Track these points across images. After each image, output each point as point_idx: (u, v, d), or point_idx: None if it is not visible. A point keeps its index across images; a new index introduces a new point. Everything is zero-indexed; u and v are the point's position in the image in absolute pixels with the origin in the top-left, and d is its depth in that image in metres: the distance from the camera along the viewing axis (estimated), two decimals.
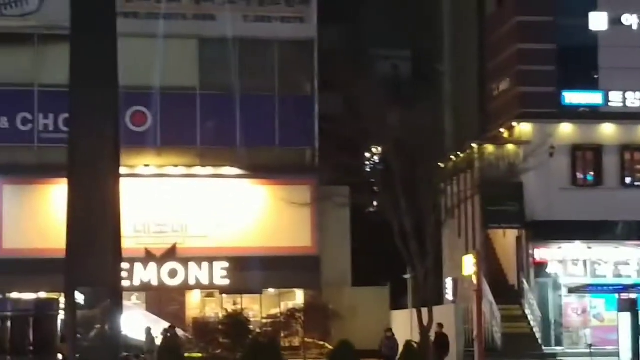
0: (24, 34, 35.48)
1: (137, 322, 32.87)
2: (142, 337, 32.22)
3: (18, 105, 35.65)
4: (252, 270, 35.93)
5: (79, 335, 21.94)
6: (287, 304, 37.70)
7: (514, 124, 38.07)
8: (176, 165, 36.97)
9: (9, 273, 34.55)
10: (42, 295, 32.89)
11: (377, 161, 36.48)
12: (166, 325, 33.22)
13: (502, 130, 38.76)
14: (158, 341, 32.14)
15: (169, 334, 31.82)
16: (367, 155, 36.90)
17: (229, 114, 36.46)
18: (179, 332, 34.37)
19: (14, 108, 35.68)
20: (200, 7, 36.81)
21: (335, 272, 37.05)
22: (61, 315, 26.08)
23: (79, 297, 20.44)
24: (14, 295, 34.00)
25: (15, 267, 34.53)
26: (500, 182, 36.94)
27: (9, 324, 25.46)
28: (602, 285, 36.10)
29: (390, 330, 31.15)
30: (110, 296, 20.39)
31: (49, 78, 34.65)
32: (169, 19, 36.21)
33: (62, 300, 25.21)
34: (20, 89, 35.70)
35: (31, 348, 25.31)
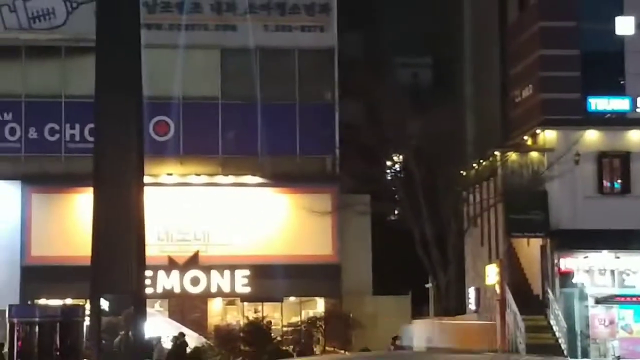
0: (51, 47, 37.15)
1: (160, 329, 34.11)
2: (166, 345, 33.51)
3: (46, 116, 37.31)
4: (273, 278, 37.00)
5: (103, 341, 23.32)
6: (307, 312, 38.85)
7: (538, 131, 38.36)
8: (198, 174, 38.24)
9: (36, 280, 36.24)
10: (69, 301, 34.20)
11: (398, 169, 37.31)
12: (189, 332, 34.41)
13: (525, 137, 39.09)
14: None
15: (178, 341, 33.05)
16: (388, 163, 37.75)
17: (250, 123, 37.74)
18: (201, 339, 35.61)
19: (42, 119, 37.36)
20: (222, 18, 38.16)
21: (356, 280, 37.97)
22: (87, 322, 27.26)
23: (104, 304, 21.57)
24: (42, 301, 35.57)
25: (43, 274, 36.14)
26: (524, 190, 37.39)
27: (36, 329, 26.69)
28: (631, 296, 36.42)
29: (399, 337, 31.04)
30: (133, 303, 21.50)
31: (75, 89, 36.24)
32: (191, 30, 37.61)
33: (87, 306, 26.41)
34: (48, 100, 37.35)
35: (58, 353, 26.51)
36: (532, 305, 37.09)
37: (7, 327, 28.55)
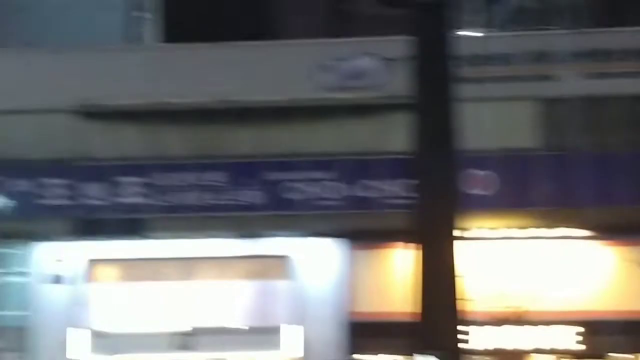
0: (366, 105, 39.00)
1: None
2: None
3: (363, 173, 39.01)
4: (600, 334, 36.76)
5: None
6: None
7: None
8: (518, 227, 38.54)
9: (355, 335, 37.95)
10: (383, 357, 35.94)
11: None
12: None
13: None
14: None
15: None
16: None
17: (571, 174, 37.66)
18: None
19: (359, 176, 39.06)
20: (540, 68, 38.59)
21: None
22: None
23: None
24: (361, 356, 37.47)
25: (361, 330, 37.84)
26: None
27: None
28: None
29: None
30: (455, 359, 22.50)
31: (391, 146, 37.57)
32: (509, 82, 38.42)
33: None
34: (365, 158, 39.02)
35: None
36: None
37: None
